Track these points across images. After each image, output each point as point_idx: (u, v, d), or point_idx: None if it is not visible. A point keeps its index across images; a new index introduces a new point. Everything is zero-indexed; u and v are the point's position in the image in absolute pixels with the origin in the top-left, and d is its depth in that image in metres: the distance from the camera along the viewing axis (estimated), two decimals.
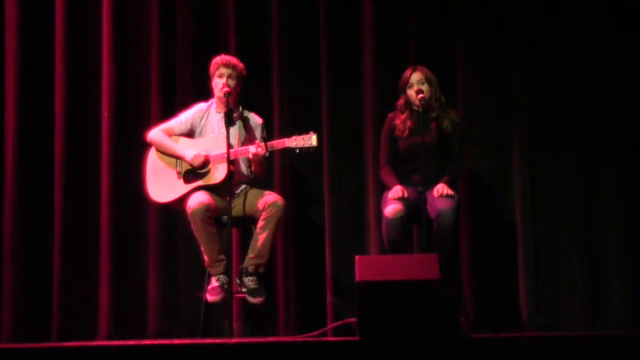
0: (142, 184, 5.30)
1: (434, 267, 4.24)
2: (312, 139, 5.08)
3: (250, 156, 5.11)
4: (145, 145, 5.34)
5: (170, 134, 5.30)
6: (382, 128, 5.31)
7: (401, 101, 5.23)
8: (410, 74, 5.17)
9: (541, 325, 5.43)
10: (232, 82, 5.21)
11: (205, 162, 5.17)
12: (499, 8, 5.73)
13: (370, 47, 5.74)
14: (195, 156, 5.17)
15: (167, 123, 5.35)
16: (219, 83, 5.22)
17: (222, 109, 5.23)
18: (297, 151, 5.10)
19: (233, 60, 5.27)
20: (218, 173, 5.14)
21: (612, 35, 5.62)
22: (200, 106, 5.35)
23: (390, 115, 5.30)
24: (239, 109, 5.32)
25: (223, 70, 5.23)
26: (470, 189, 5.62)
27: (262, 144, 5.10)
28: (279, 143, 5.12)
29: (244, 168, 5.27)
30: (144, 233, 5.75)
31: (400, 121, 5.21)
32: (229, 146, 5.05)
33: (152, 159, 5.31)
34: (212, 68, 5.27)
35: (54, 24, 5.82)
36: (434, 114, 5.18)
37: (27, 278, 5.68)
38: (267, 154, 5.13)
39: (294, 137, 5.09)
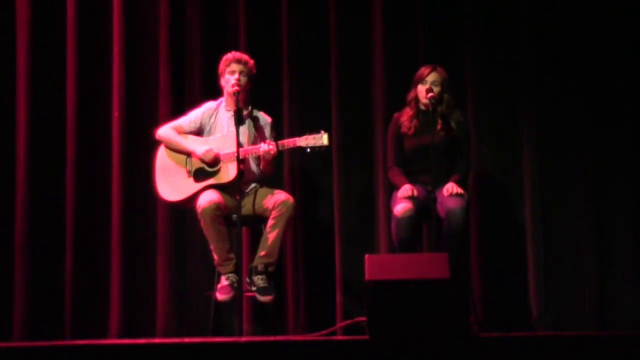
0: (152, 183, 5.32)
1: (444, 267, 4.24)
2: (323, 138, 5.06)
3: (261, 155, 5.12)
4: (155, 144, 5.35)
5: (179, 131, 5.28)
6: (388, 128, 5.31)
7: (412, 94, 5.23)
8: (428, 73, 5.14)
9: (548, 324, 5.43)
10: (243, 79, 5.21)
11: (216, 160, 5.18)
12: (509, 7, 5.72)
13: (380, 47, 5.74)
14: (206, 151, 5.16)
15: (177, 121, 5.34)
16: (231, 79, 5.20)
17: (232, 108, 5.23)
18: (308, 150, 5.08)
19: (244, 56, 5.26)
20: (228, 172, 5.14)
21: (625, 35, 5.61)
22: (209, 104, 5.35)
23: (396, 115, 5.29)
24: (248, 107, 5.31)
25: (235, 66, 5.22)
26: (480, 188, 5.62)
27: (273, 142, 5.10)
28: (290, 142, 5.11)
29: (253, 166, 5.27)
30: (154, 232, 5.76)
31: (406, 118, 5.20)
32: (239, 145, 5.05)
33: (162, 156, 5.30)
34: (222, 65, 5.26)
35: (65, 23, 5.83)
36: (439, 115, 5.16)
37: (39, 277, 5.70)
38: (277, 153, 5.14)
39: (305, 136, 5.08)
